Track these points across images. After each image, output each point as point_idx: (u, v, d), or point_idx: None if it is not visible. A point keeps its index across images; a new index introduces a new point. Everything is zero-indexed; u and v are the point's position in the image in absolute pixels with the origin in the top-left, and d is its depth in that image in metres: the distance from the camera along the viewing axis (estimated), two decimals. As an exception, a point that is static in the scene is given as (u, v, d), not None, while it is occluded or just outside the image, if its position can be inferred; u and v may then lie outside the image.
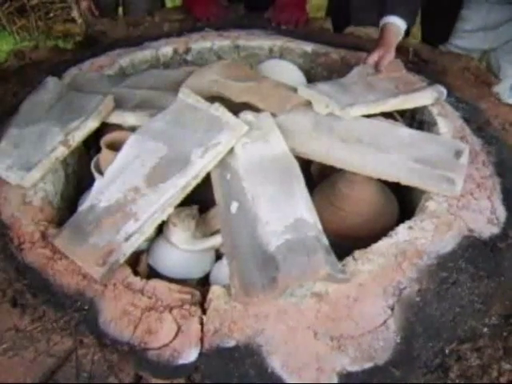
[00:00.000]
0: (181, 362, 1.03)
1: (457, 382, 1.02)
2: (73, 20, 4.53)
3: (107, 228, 1.22)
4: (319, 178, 1.60)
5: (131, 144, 1.37)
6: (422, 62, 2.04)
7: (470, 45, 2.30)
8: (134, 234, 1.21)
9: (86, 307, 1.13)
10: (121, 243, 1.19)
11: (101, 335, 1.08)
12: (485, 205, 1.36)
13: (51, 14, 4.70)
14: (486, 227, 1.30)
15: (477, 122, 1.66)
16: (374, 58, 1.79)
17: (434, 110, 1.67)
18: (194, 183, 1.29)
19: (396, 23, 1.80)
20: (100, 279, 1.15)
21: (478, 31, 2.27)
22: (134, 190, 1.27)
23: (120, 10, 3.23)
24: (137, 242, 1.21)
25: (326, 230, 1.21)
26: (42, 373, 1.03)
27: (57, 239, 1.23)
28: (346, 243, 1.30)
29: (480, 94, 1.84)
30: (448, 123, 1.62)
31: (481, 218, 1.32)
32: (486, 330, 1.12)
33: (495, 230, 1.30)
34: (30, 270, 1.20)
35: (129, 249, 1.20)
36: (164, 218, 1.26)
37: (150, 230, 1.25)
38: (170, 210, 1.26)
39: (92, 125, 1.49)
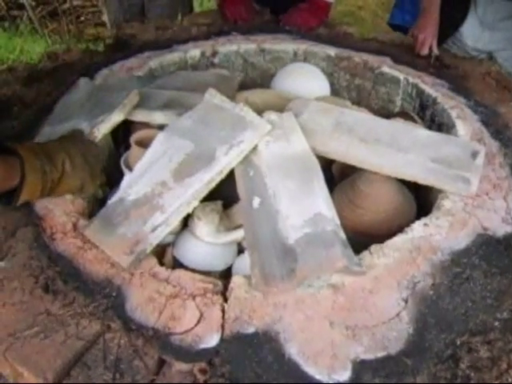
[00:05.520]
0: (202, 346, 1.08)
1: (467, 372, 1.05)
2: (103, 24, 4.61)
3: (135, 219, 1.27)
4: (340, 177, 1.62)
5: (159, 141, 1.42)
6: (443, 67, 2.06)
7: (476, 44, 2.27)
8: (160, 226, 1.25)
9: (114, 294, 1.18)
10: (147, 234, 1.24)
11: (127, 320, 1.13)
12: (500, 205, 1.38)
13: (82, 18, 4.81)
14: (501, 226, 1.33)
15: (495, 125, 1.68)
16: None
17: (453, 113, 1.70)
18: (218, 179, 1.34)
19: None
20: (127, 267, 1.20)
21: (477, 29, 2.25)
22: (162, 184, 1.32)
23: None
24: (162, 232, 1.26)
25: (345, 227, 1.24)
26: (71, 354, 1.07)
27: (87, 230, 1.29)
28: (363, 240, 1.33)
29: (500, 99, 1.86)
30: (466, 126, 1.64)
31: (495, 217, 1.35)
32: (497, 323, 1.14)
33: (509, 229, 1.32)
34: (62, 258, 1.26)
35: (155, 239, 1.25)
36: (189, 210, 1.31)
37: (175, 222, 1.29)
38: (195, 203, 1.31)
39: (116, 118, 1.54)
